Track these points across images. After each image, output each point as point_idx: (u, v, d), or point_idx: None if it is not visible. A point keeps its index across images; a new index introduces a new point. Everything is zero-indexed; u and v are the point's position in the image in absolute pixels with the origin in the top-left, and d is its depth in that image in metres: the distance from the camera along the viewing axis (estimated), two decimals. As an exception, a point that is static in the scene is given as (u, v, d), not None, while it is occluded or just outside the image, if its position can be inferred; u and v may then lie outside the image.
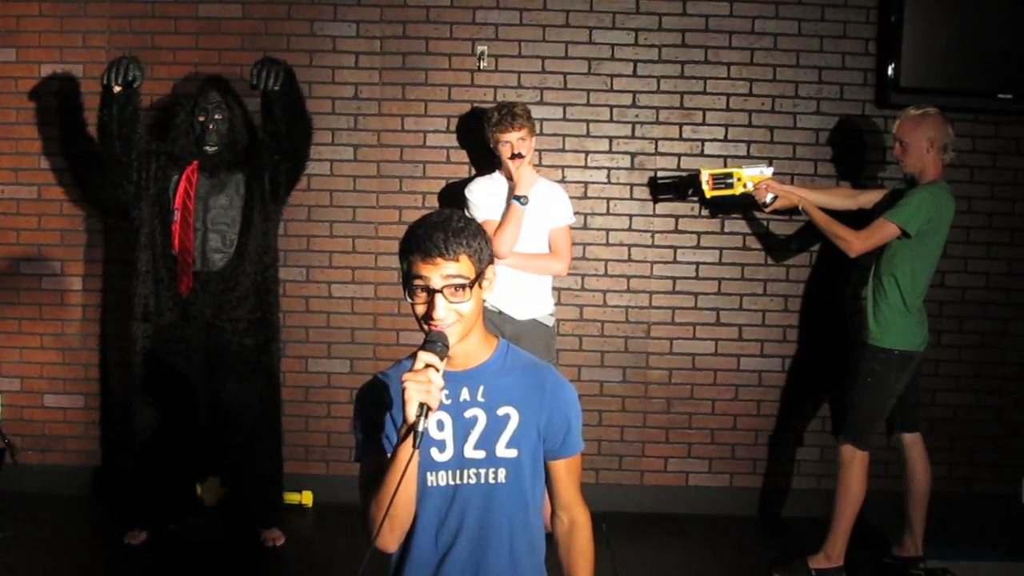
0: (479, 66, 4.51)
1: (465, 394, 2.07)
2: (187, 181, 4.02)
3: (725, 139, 4.55)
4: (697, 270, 4.60)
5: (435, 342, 1.94)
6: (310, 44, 4.52)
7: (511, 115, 3.97)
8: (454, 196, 4.42)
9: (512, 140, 3.97)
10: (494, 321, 4.08)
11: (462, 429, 2.06)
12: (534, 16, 4.51)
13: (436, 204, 4.57)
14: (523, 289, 4.07)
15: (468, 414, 2.07)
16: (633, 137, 4.56)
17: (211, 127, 4.06)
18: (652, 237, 4.58)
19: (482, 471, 2.07)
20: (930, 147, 3.69)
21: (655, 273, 4.60)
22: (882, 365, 3.73)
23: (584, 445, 2.19)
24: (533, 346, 4.09)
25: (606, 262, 4.59)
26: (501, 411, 2.07)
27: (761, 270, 4.60)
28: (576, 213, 4.31)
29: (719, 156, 4.53)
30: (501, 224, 4.00)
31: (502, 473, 2.07)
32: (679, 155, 4.55)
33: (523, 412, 2.08)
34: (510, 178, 4.02)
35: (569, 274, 4.50)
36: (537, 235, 4.08)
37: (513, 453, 2.07)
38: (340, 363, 4.62)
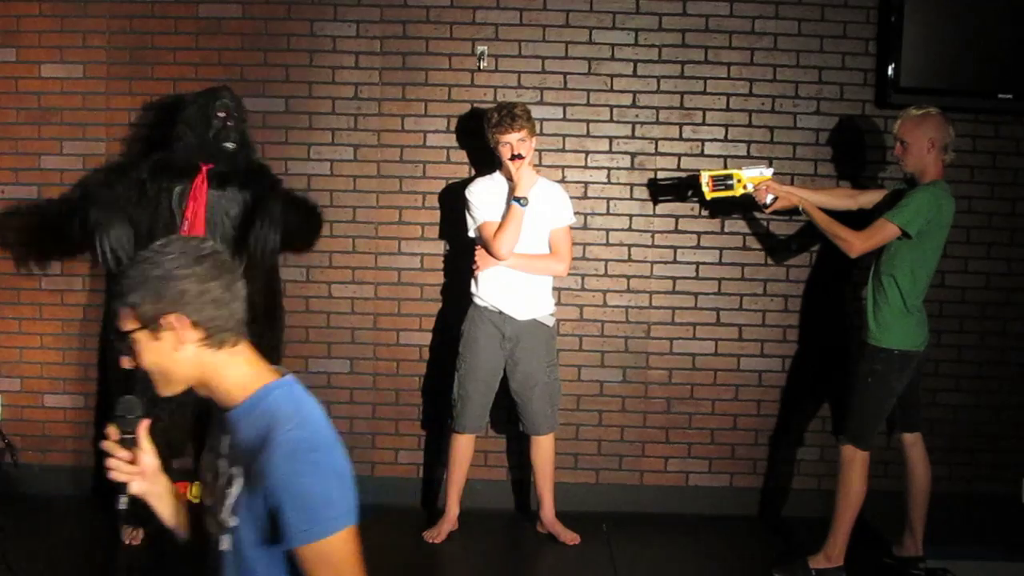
0: (479, 66, 4.51)
1: (225, 442, 1.84)
2: (197, 191, 3.92)
3: (725, 139, 4.55)
4: (697, 270, 4.60)
5: (122, 415, 1.84)
6: (310, 44, 4.52)
7: (511, 116, 3.97)
8: (454, 196, 4.44)
9: (512, 141, 3.98)
10: (494, 322, 4.09)
11: (213, 480, 1.86)
12: (534, 16, 4.51)
13: (436, 204, 4.57)
14: (523, 289, 4.07)
15: (219, 464, 1.84)
16: (633, 137, 4.56)
17: (231, 124, 3.99)
18: (652, 237, 4.58)
19: (219, 533, 1.82)
20: (931, 147, 3.69)
21: (655, 273, 4.60)
22: (882, 365, 3.73)
23: (318, 540, 1.69)
24: (533, 346, 4.10)
25: (606, 262, 4.58)
26: (232, 470, 1.79)
27: (761, 270, 4.60)
28: (576, 213, 4.32)
29: (719, 156, 4.53)
30: (501, 225, 4.00)
31: (226, 540, 1.80)
32: (679, 155, 4.55)
33: (246, 476, 1.75)
34: (510, 179, 4.02)
35: (569, 274, 4.50)
36: (537, 235, 4.09)
37: (233, 521, 1.77)
38: (340, 363, 4.62)
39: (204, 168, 3.98)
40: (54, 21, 4.51)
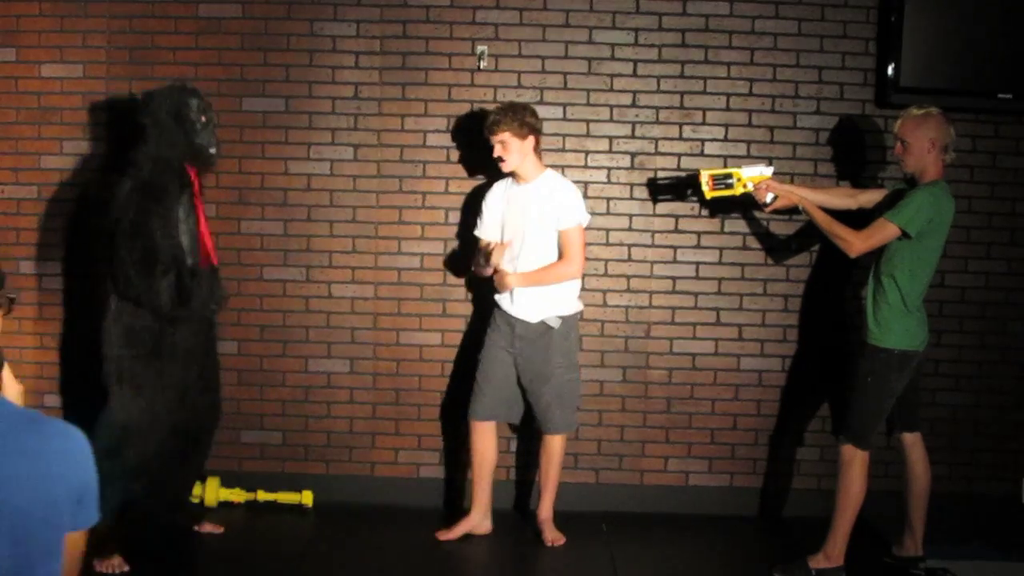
0: (479, 66, 4.51)
1: None
2: (198, 199, 3.86)
3: (725, 139, 4.55)
4: (697, 270, 4.59)
5: None
6: (310, 44, 4.52)
7: (489, 119, 4.03)
8: (454, 196, 4.45)
9: (495, 143, 3.99)
10: (507, 321, 4.12)
11: None
12: (534, 16, 4.51)
13: (436, 204, 4.57)
14: (528, 293, 4.07)
15: None
16: (633, 137, 4.55)
17: (212, 126, 3.91)
18: (652, 237, 4.58)
19: None
20: (931, 147, 3.69)
21: (655, 273, 4.59)
22: (882, 365, 3.73)
23: None
24: (543, 347, 4.10)
25: (606, 262, 4.58)
26: None
27: (761, 270, 4.59)
28: (576, 213, 4.32)
29: (719, 156, 4.53)
30: (476, 260, 4.19)
31: None
32: (679, 155, 4.55)
33: None
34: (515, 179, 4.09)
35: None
36: (533, 242, 4.06)
37: None
38: (340, 363, 4.62)
39: (193, 172, 3.86)
40: (54, 21, 4.51)
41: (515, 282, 4.05)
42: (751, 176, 4.10)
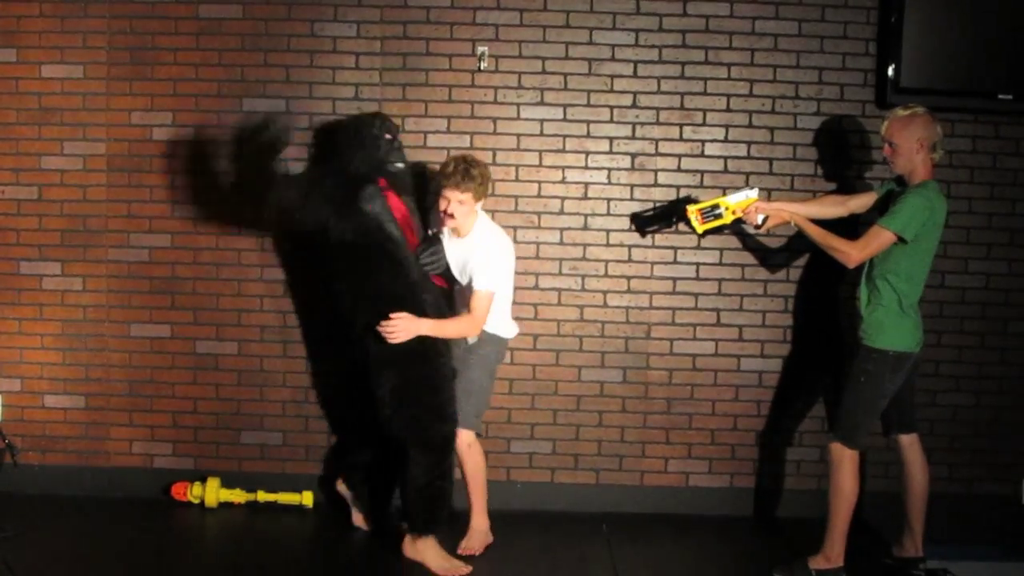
0: (479, 66, 4.52)
1: None
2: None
3: (725, 140, 4.55)
4: (697, 271, 4.60)
5: None
6: (310, 44, 4.53)
7: (451, 173, 3.84)
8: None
9: (449, 198, 3.86)
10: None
11: None
12: (534, 16, 4.51)
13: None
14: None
15: None
16: (633, 138, 4.56)
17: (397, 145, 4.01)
18: (652, 238, 4.58)
19: None
20: (920, 147, 3.67)
21: (655, 274, 4.60)
22: (876, 365, 3.72)
23: None
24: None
25: (606, 263, 4.59)
26: None
27: (761, 270, 4.60)
28: (576, 214, 4.32)
29: (719, 157, 4.54)
30: None
31: None
32: (679, 156, 4.55)
33: None
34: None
35: (569, 274, 4.52)
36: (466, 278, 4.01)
37: None
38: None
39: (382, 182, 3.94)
40: (54, 21, 4.52)
41: (425, 328, 3.78)
42: (738, 202, 4.07)
